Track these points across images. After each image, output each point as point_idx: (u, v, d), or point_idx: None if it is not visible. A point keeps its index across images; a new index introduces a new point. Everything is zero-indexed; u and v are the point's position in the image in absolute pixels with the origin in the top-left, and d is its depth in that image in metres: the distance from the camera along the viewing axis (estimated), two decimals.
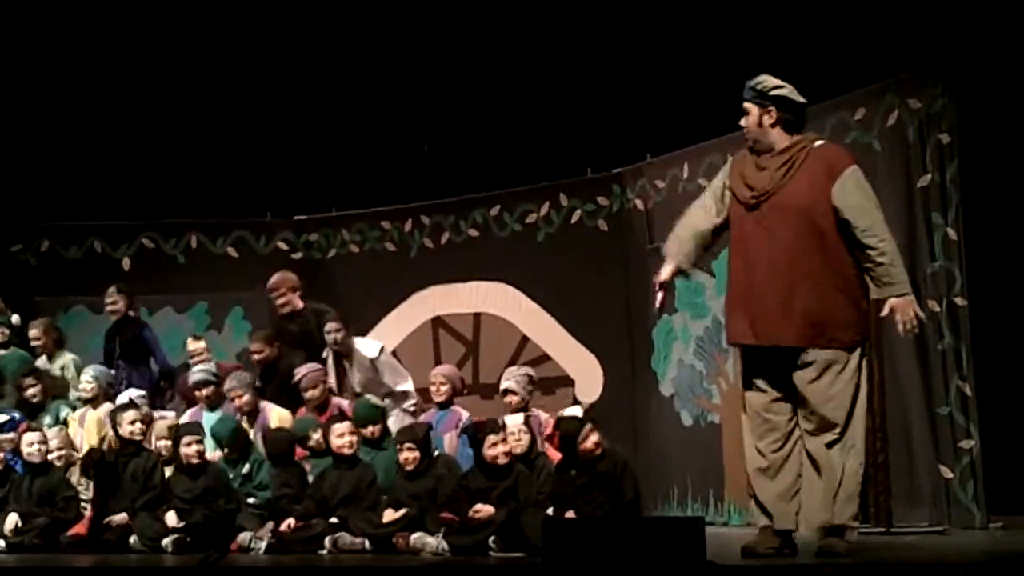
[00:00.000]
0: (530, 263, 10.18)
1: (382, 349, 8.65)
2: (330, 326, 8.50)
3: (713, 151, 8.76)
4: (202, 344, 8.97)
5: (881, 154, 7.82)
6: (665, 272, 5.89)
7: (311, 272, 10.93)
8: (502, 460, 6.89)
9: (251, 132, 10.67)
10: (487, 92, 10.16)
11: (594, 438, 6.78)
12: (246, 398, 7.96)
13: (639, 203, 9.76)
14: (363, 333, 10.42)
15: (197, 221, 10.97)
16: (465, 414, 8.01)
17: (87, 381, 8.38)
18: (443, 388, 8.05)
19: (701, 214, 5.86)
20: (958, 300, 7.47)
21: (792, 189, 5.57)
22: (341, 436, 7.33)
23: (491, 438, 6.90)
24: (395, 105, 10.54)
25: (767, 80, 5.69)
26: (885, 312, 5.55)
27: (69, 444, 8.04)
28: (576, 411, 7.23)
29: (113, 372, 8.78)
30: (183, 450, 7.45)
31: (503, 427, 7.05)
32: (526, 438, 7.12)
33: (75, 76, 10.62)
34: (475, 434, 7.01)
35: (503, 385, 7.79)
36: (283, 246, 10.99)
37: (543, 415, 7.71)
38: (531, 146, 10.10)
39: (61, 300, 10.72)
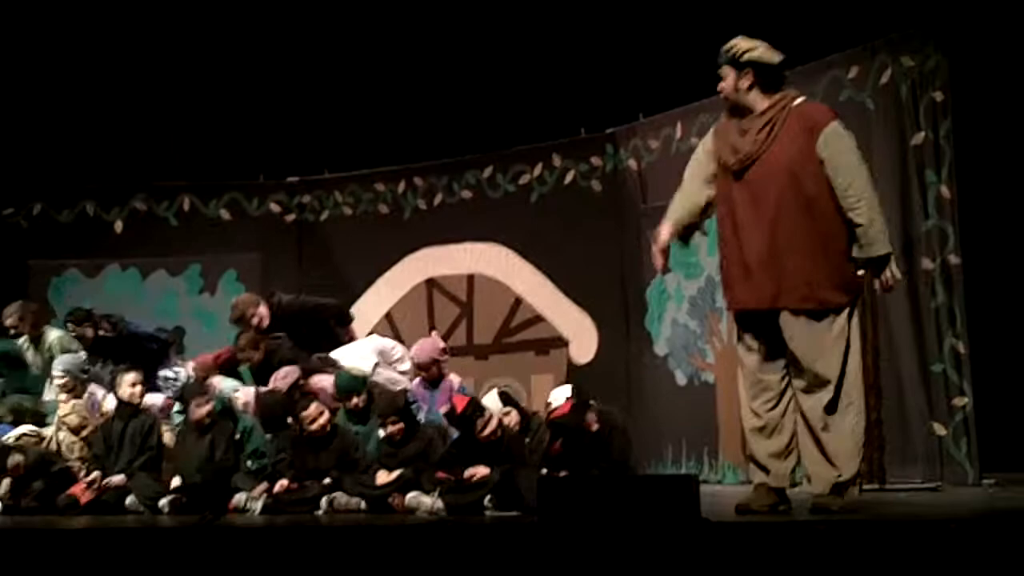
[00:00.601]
0: (524, 224, 10.18)
1: (376, 366, 8.08)
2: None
3: (706, 110, 8.74)
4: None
5: (874, 112, 7.81)
6: (664, 234, 5.92)
7: (304, 235, 10.94)
8: (496, 436, 6.89)
9: (243, 93, 10.62)
10: (480, 52, 10.11)
11: (594, 424, 6.88)
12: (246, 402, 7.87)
13: (632, 163, 9.74)
14: (356, 296, 10.45)
15: (189, 183, 10.94)
16: (456, 380, 7.91)
17: (59, 376, 8.10)
18: (432, 370, 7.85)
19: (693, 187, 5.88)
20: (951, 258, 7.48)
21: (776, 151, 5.57)
22: (313, 422, 7.24)
23: (480, 422, 6.86)
24: (387, 66, 10.50)
25: (739, 43, 5.68)
26: (861, 272, 5.56)
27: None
28: (564, 391, 7.18)
29: (84, 356, 8.55)
30: (193, 411, 7.48)
31: (485, 409, 7.00)
32: (515, 414, 7.11)
33: (65, 39, 10.56)
34: (460, 423, 6.96)
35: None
36: (276, 208, 10.98)
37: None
38: (524, 106, 10.07)
39: (54, 264, 10.71)
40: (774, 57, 5.66)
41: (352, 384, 7.53)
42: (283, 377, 7.79)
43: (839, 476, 5.54)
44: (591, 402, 7.02)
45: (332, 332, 8.55)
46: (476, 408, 6.88)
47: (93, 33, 10.52)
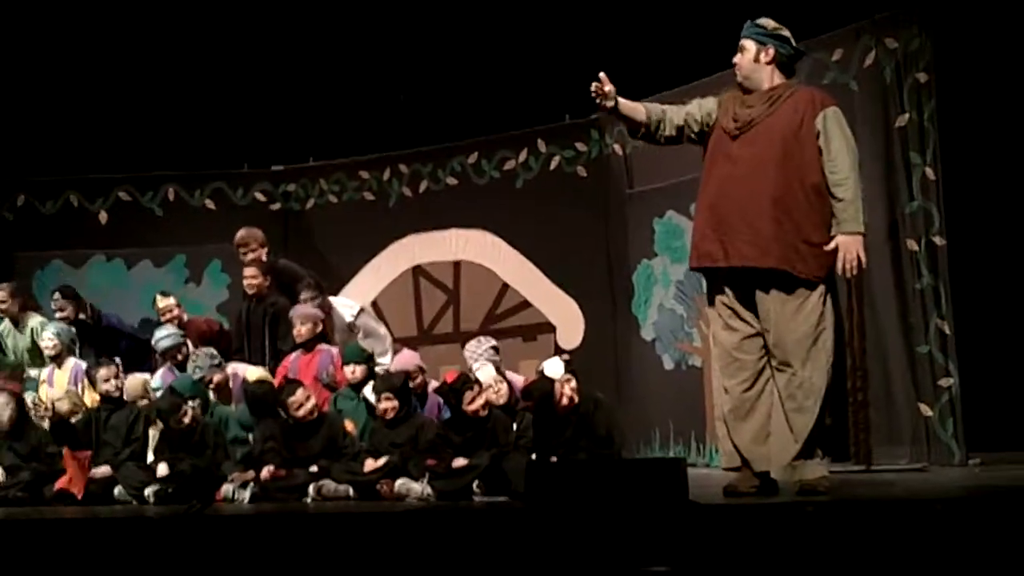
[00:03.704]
0: (509, 210, 10.17)
1: (360, 311, 8.49)
2: (304, 295, 8.28)
3: (690, 95, 8.68)
4: (171, 300, 8.75)
5: (859, 94, 7.81)
6: (610, 89, 5.88)
7: (290, 223, 10.92)
8: (483, 412, 6.91)
9: (226, 82, 10.59)
10: (464, 38, 10.09)
11: (568, 393, 6.83)
12: (216, 378, 7.88)
13: (617, 148, 9.74)
14: (343, 283, 10.44)
15: (174, 173, 10.90)
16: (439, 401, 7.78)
17: (49, 338, 8.29)
18: (418, 379, 7.71)
19: (678, 108, 5.93)
20: (936, 239, 7.49)
21: (775, 119, 5.65)
22: (300, 407, 7.21)
23: (468, 395, 6.89)
24: (372, 53, 10.47)
25: (769, 21, 5.82)
26: (830, 247, 5.57)
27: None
28: (557, 363, 7.20)
29: (74, 329, 8.61)
30: (174, 424, 7.41)
31: (477, 382, 7.04)
32: (504, 387, 7.14)
33: (48, 29, 10.51)
34: (449, 393, 6.99)
35: (472, 365, 7.54)
36: (261, 197, 10.95)
37: (518, 379, 7.59)
38: (509, 92, 10.05)
39: (39, 255, 10.67)
40: (794, 44, 5.81)
41: (356, 355, 7.60)
42: (307, 309, 8.02)
43: (796, 455, 5.55)
44: (568, 375, 6.99)
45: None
46: (467, 381, 6.92)
47: (75, 24, 10.47)
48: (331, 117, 10.71)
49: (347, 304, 8.57)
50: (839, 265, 5.56)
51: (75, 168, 10.77)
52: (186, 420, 7.38)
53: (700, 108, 5.90)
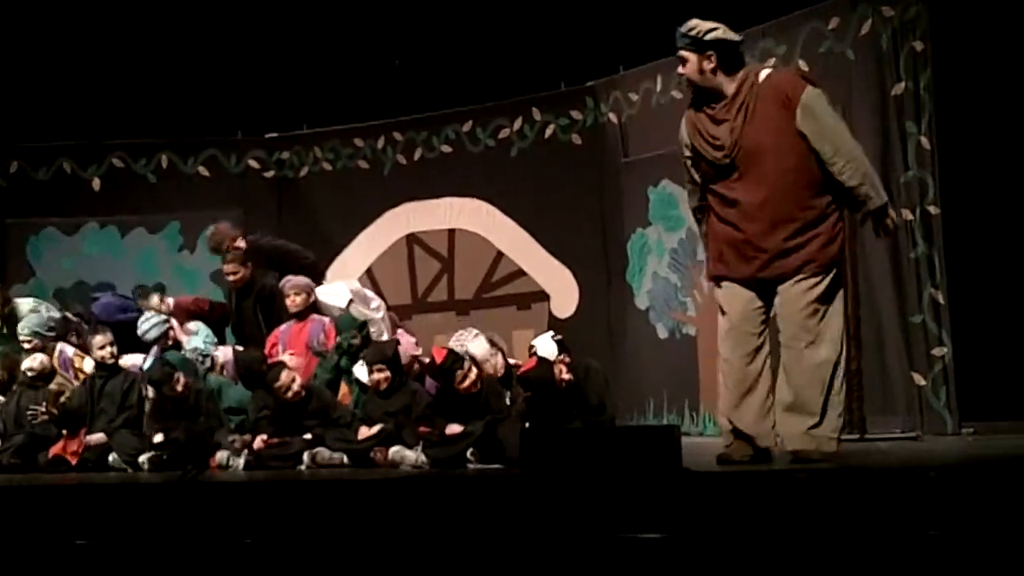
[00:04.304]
0: (504, 178, 10.16)
1: (350, 301, 8.19)
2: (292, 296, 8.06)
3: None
4: (154, 300, 8.48)
5: (855, 63, 7.80)
6: None
7: (284, 191, 10.90)
8: (474, 389, 6.89)
9: (220, 48, 10.54)
10: (458, 5, 10.05)
11: (566, 376, 6.87)
12: (211, 377, 7.83)
13: (613, 116, 9.72)
14: (337, 252, 10.43)
15: (167, 140, 10.86)
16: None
17: (26, 339, 8.04)
18: (415, 367, 7.63)
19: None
20: (931, 208, 7.49)
21: (755, 131, 5.50)
22: (287, 391, 7.18)
23: (459, 373, 6.86)
24: (366, 19, 10.43)
25: (699, 24, 5.60)
26: (864, 225, 5.60)
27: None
28: (548, 341, 7.18)
29: (48, 315, 8.46)
30: (169, 394, 7.40)
31: (467, 357, 7.01)
32: (499, 359, 7.14)
33: None
34: (439, 374, 6.97)
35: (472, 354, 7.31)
36: (255, 165, 10.92)
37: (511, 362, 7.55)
38: (503, 60, 10.02)
39: (32, 222, 10.65)
40: (734, 36, 5.61)
41: (347, 324, 7.61)
42: (297, 280, 7.96)
43: (811, 425, 5.56)
44: (562, 354, 6.99)
45: None
46: (456, 360, 6.89)
47: None
48: (325, 84, 10.67)
49: (337, 292, 8.31)
50: (880, 235, 5.66)
51: (68, 134, 10.73)
52: (178, 388, 7.37)
53: (690, 178, 5.80)
